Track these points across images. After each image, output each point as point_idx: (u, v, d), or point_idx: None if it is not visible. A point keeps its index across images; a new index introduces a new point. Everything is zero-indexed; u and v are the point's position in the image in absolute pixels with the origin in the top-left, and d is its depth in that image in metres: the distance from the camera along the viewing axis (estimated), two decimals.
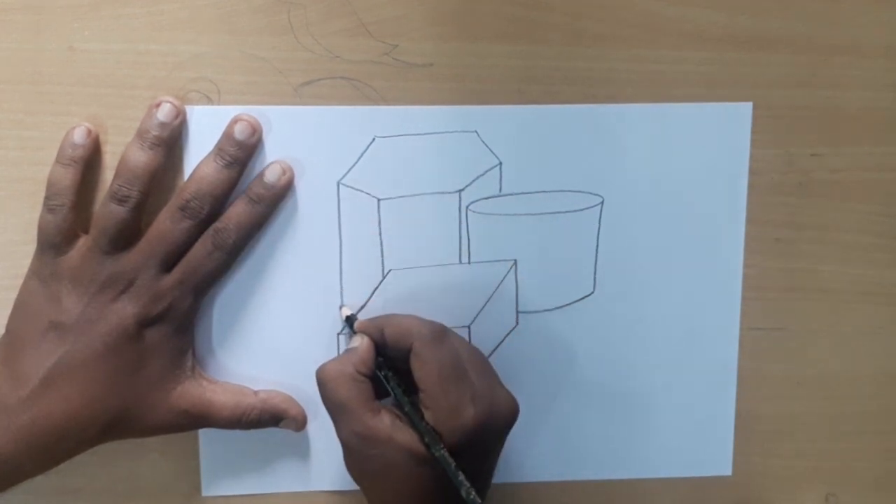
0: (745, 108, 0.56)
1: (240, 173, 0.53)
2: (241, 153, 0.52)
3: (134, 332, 0.51)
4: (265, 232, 0.54)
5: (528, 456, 0.58)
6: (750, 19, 0.55)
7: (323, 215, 0.55)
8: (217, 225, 0.52)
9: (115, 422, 0.51)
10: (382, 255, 0.55)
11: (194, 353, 0.54)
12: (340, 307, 0.55)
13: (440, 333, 0.51)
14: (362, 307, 0.55)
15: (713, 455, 0.59)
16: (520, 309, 0.57)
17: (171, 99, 0.52)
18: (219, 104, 0.53)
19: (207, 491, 0.57)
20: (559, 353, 0.57)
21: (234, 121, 0.52)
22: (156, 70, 0.53)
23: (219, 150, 0.52)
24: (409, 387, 0.51)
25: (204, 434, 0.56)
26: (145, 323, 0.51)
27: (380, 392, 0.52)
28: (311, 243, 0.55)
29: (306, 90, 0.54)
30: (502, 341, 0.57)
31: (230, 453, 0.56)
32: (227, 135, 0.52)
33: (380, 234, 0.55)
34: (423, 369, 0.50)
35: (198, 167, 0.52)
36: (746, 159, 0.56)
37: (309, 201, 0.54)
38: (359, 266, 0.55)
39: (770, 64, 0.56)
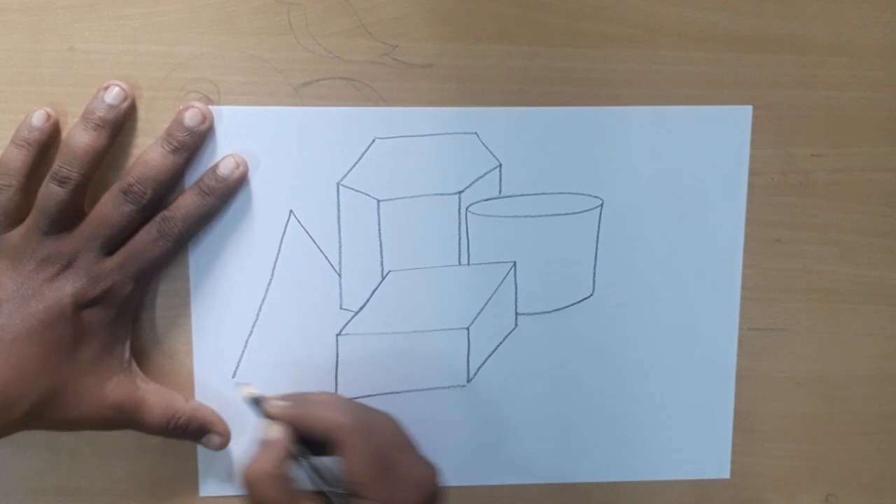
0: (745, 112, 0.56)
1: (186, 160, 0.52)
2: (189, 139, 0.52)
3: (70, 312, 0.50)
4: (264, 232, 0.54)
5: (525, 458, 0.58)
6: (750, 19, 0.55)
7: (322, 216, 0.55)
8: (165, 213, 0.52)
9: (44, 404, 0.50)
10: (382, 257, 0.55)
11: (131, 345, 0.53)
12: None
13: (363, 424, 0.50)
14: (361, 308, 0.56)
15: (712, 458, 0.59)
16: (519, 311, 0.57)
17: (120, 83, 0.52)
18: (218, 104, 0.53)
19: (205, 491, 0.57)
20: (558, 355, 0.57)
21: (185, 108, 0.52)
22: (156, 70, 0.53)
23: (167, 135, 0.52)
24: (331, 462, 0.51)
25: None
26: (83, 304, 0.51)
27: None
28: (311, 244, 0.55)
29: (306, 91, 0.54)
30: (501, 343, 0.57)
31: (227, 454, 0.56)
32: (177, 121, 0.52)
33: (379, 235, 0.55)
34: (353, 463, 0.49)
35: (143, 152, 0.52)
36: (746, 162, 0.56)
37: (308, 202, 0.54)
38: (358, 267, 0.55)
39: (770, 64, 0.56)
